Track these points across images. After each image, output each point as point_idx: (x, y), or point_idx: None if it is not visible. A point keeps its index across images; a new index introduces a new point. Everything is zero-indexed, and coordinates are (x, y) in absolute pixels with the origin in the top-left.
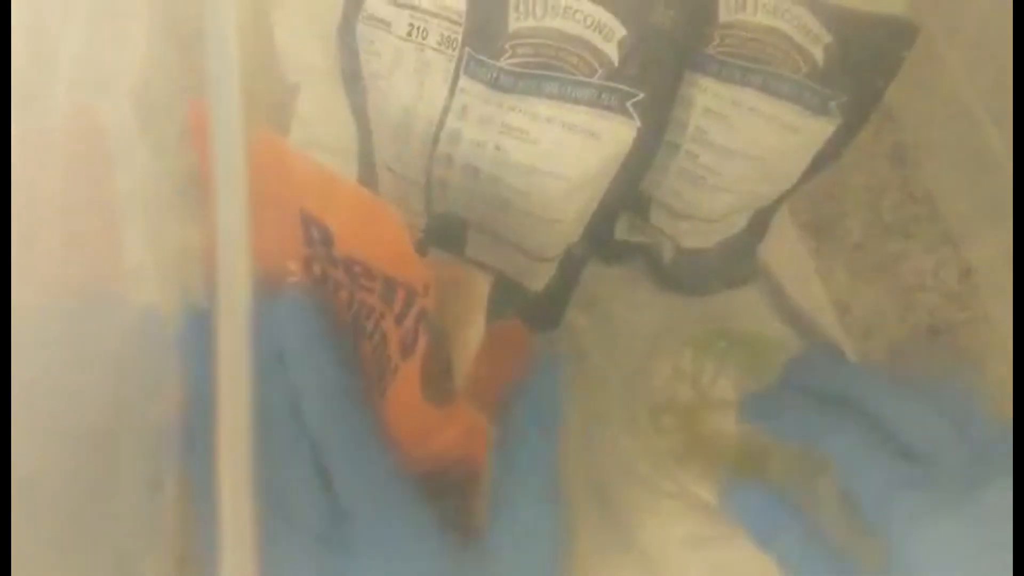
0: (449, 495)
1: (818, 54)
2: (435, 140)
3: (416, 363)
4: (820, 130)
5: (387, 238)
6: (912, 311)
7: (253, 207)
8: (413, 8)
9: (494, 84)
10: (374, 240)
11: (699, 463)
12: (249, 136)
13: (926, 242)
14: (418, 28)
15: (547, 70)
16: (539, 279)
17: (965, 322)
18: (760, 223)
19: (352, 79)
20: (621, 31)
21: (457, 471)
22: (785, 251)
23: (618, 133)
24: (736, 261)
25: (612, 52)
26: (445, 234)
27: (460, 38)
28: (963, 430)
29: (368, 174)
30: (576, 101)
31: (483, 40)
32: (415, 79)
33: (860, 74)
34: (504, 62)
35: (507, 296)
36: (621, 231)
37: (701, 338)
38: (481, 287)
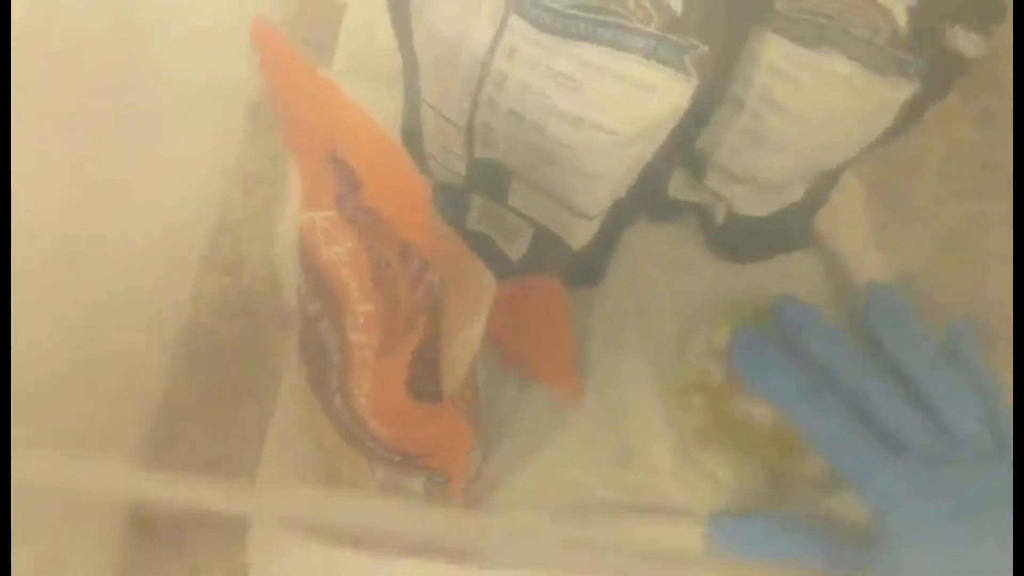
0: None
1: (900, 14)
2: (480, 82)
3: (413, 343)
4: (895, 96)
5: (408, 200)
6: (984, 286)
7: (292, 129)
8: None
9: (545, 25)
10: (396, 199)
11: (722, 445)
12: (292, 61)
13: (1005, 213)
14: None
15: (602, 14)
16: (581, 236)
17: None
18: (820, 192)
19: (399, 10)
20: None
21: (435, 463)
22: (844, 217)
23: (674, 88)
24: (791, 227)
25: (674, 2)
26: (487, 181)
27: None
28: (939, 416)
29: (413, 110)
30: (630, 50)
31: None
32: (463, 14)
33: (941, 39)
34: (558, 3)
35: (546, 250)
36: (674, 189)
37: (738, 315)
38: (488, 287)
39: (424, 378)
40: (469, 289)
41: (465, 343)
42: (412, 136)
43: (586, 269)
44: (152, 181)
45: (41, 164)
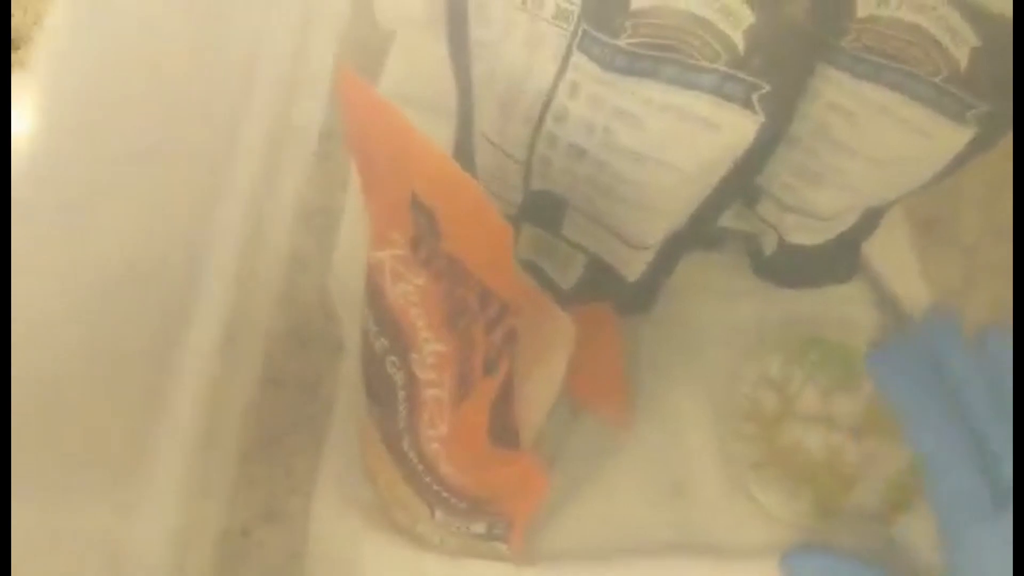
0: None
1: (962, 58)
2: (541, 117)
3: (494, 386)
4: (954, 139)
5: (490, 246)
6: None
7: (368, 170)
8: None
9: (608, 64)
10: (477, 245)
11: (774, 475)
12: (371, 102)
13: None
14: None
15: (667, 52)
16: (635, 268)
17: None
18: (870, 222)
19: (458, 44)
20: (750, 18)
21: (504, 508)
22: (891, 247)
23: (739, 126)
24: (839, 257)
25: (739, 40)
26: (541, 211)
27: (577, 11)
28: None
29: (466, 141)
30: (696, 88)
31: (601, 16)
32: (525, 51)
33: (1004, 84)
34: (622, 41)
35: (599, 280)
36: (724, 218)
37: (792, 345)
38: (568, 331)
39: (504, 423)
40: (547, 334)
41: (544, 388)
42: (464, 167)
43: (638, 298)
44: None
45: (114, 194)
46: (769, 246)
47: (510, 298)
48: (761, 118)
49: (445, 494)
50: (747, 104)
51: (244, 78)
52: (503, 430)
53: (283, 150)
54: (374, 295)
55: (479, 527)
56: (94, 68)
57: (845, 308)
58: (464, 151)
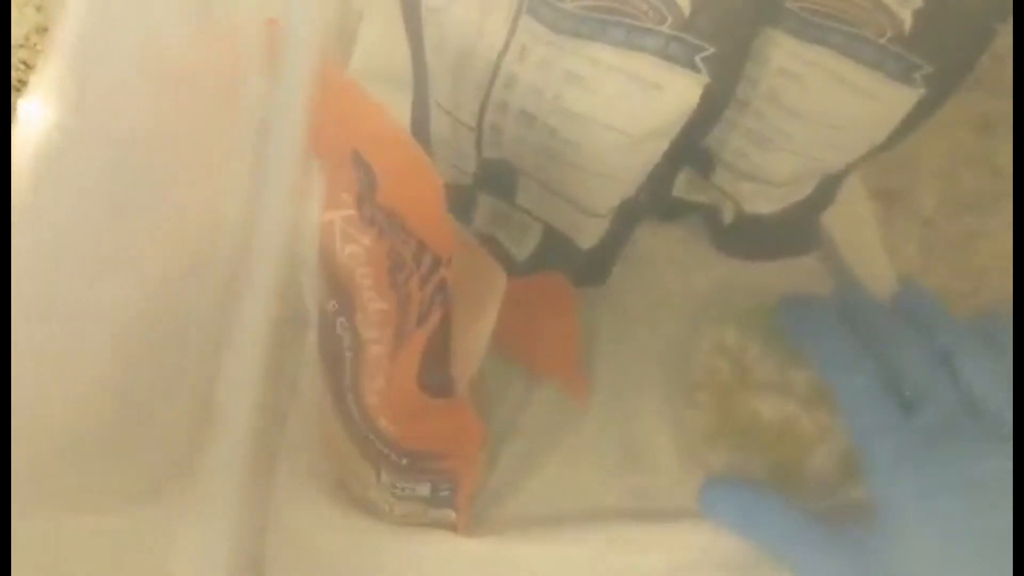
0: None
1: (906, 18)
2: (491, 83)
3: (424, 337)
4: (901, 100)
5: (424, 199)
6: (981, 293)
7: (317, 137)
8: None
9: (556, 27)
10: (412, 197)
11: (729, 444)
12: (316, 63)
13: (1007, 220)
14: None
15: (613, 14)
16: (590, 235)
17: None
18: (827, 190)
19: (411, 11)
20: None
21: (444, 465)
22: (851, 219)
23: (684, 88)
24: (798, 228)
25: (684, 1)
26: (495, 180)
27: None
28: (960, 387)
29: (421, 110)
30: (641, 50)
31: None
32: (476, 16)
33: (949, 44)
34: (569, 4)
35: (554, 249)
36: (680, 189)
37: (748, 314)
38: (500, 282)
39: (436, 373)
40: (480, 284)
41: (476, 337)
42: (419, 136)
43: (593, 268)
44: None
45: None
46: (727, 216)
47: (443, 250)
48: (706, 79)
49: (386, 450)
50: (691, 65)
51: None
52: (438, 380)
53: None
54: (325, 257)
55: (423, 489)
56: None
57: (803, 280)
58: (420, 120)
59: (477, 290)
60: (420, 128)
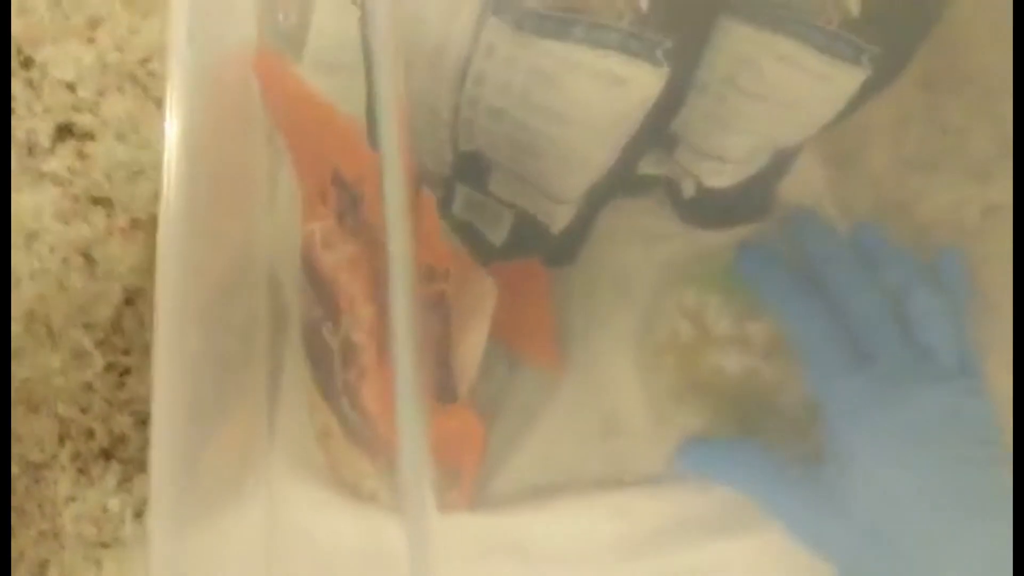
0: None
1: (852, 5)
2: (462, 80)
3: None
4: (851, 80)
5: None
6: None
7: (294, 147)
8: None
9: (520, 25)
10: None
11: (696, 402)
12: (290, 84)
13: (949, 177)
14: None
15: (574, 13)
16: (560, 220)
17: (984, 259)
18: (782, 162)
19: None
20: None
21: (446, 461)
22: (802, 184)
23: (645, 80)
24: (754, 197)
25: None
26: (469, 171)
27: None
28: (913, 335)
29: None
30: (602, 46)
31: None
32: (443, 15)
33: (895, 27)
34: (532, 2)
35: (527, 235)
36: (643, 165)
37: (705, 274)
38: (490, 296)
39: (441, 381)
40: (475, 296)
41: (474, 345)
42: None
43: (564, 249)
44: None
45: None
46: (688, 190)
47: (436, 263)
48: (667, 71)
49: (385, 449)
50: (652, 59)
51: None
52: (442, 387)
53: None
54: (308, 264)
55: None
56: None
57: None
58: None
59: (472, 301)
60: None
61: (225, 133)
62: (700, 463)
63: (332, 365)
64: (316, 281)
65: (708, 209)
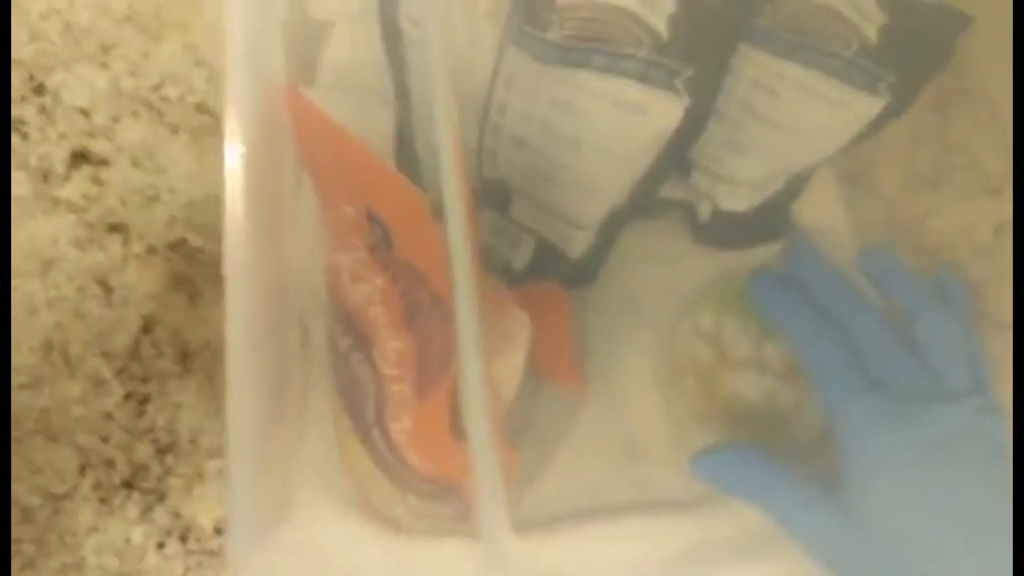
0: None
1: (870, 32)
2: (486, 110)
3: (450, 383)
4: (867, 108)
5: (442, 255)
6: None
7: (322, 183)
8: None
9: (541, 56)
10: (428, 254)
11: (717, 424)
12: (321, 122)
13: (960, 195)
14: None
15: (594, 42)
16: (579, 246)
17: (997, 276)
18: (796, 185)
19: (391, 41)
20: (671, 6)
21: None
22: (819, 203)
23: (665, 108)
24: (770, 218)
25: (661, 26)
26: (493, 197)
27: (507, 8)
28: (923, 357)
29: (406, 131)
30: (623, 75)
31: (530, 11)
32: (465, 47)
33: (912, 56)
34: (551, 34)
35: (548, 259)
36: (662, 189)
37: (723, 297)
38: (524, 324)
39: (460, 417)
40: (505, 328)
41: (507, 379)
42: (406, 155)
43: (583, 272)
44: None
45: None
46: (704, 213)
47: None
48: (686, 100)
49: (415, 481)
50: (671, 88)
51: None
52: (460, 424)
53: None
54: (335, 296)
55: (448, 510)
56: None
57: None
58: (405, 140)
59: (503, 333)
60: (406, 148)
61: (263, 166)
62: (715, 471)
63: (362, 395)
64: (345, 313)
65: (724, 231)
